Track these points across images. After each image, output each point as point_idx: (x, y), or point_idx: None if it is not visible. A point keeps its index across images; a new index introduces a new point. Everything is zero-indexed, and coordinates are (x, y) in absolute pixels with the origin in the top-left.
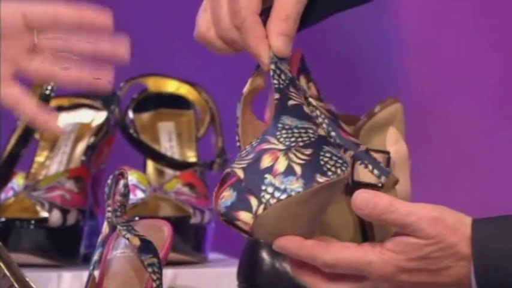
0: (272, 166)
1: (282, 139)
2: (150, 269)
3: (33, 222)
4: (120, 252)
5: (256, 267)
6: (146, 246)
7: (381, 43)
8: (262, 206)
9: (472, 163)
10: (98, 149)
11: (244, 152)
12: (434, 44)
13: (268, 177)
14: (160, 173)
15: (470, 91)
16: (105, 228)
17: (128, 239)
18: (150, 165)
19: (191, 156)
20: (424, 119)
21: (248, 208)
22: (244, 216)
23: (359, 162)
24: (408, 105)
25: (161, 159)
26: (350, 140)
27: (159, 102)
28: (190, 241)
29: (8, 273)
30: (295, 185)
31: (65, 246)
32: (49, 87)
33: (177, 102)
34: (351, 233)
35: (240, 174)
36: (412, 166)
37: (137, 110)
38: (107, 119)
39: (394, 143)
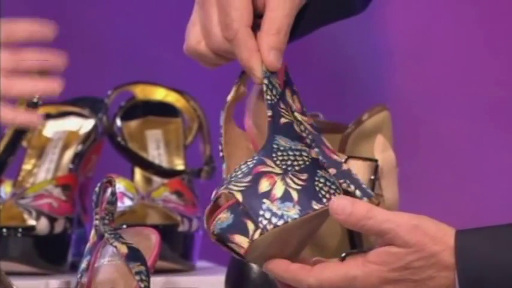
0: (270, 191)
1: (278, 162)
2: (137, 277)
3: (20, 230)
4: (107, 260)
5: (244, 275)
6: (134, 254)
7: (369, 51)
8: (258, 231)
9: (461, 171)
10: (86, 156)
11: (239, 172)
12: (422, 52)
13: (266, 202)
14: (148, 181)
15: (458, 99)
16: (92, 236)
17: (115, 246)
18: (138, 173)
19: (179, 164)
20: (412, 126)
21: (244, 232)
22: (240, 240)
23: (341, 181)
24: (396, 113)
25: (149, 167)
26: (333, 158)
27: (146, 110)
28: (178, 249)
29: None
30: (292, 212)
31: (53, 254)
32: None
33: (165, 110)
34: (338, 241)
35: (239, 197)
36: (400, 174)
37: (125, 117)
38: (95, 127)
39: (381, 150)
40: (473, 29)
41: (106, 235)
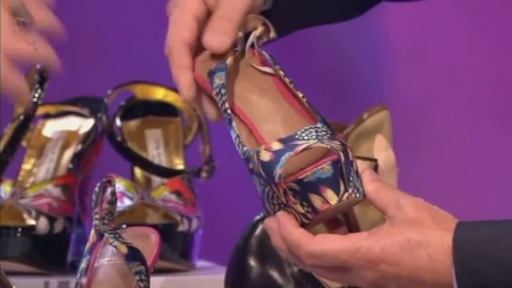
0: (353, 161)
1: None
2: (137, 277)
3: (20, 230)
4: (107, 260)
5: (244, 274)
6: (133, 254)
7: (369, 50)
8: (346, 194)
9: (461, 170)
10: (85, 156)
11: (323, 132)
12: (422, 52)
13: (352, 172)
14: (147, 181)
15: (458, 99)
16: (92, 235)
17: (115, 246)
18: (138, 172)
19: (179, 164)
20: (411, 126)
21: (337, 190)
22: (330, 196)
23: None
24: (395, 112)
25: (149, 166)
26: None
27: (146, 110)
28: (178, 249)
29: None
30: (361, 189)
31: (52, 254)
32: (36, 95)
33: (164, 109)
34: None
35: (342, 156)
36: (400, 173)
37: (124, 117)
38: (94, 127)
39: (381, 150)
40: (473, 29)
41: (106, 235)
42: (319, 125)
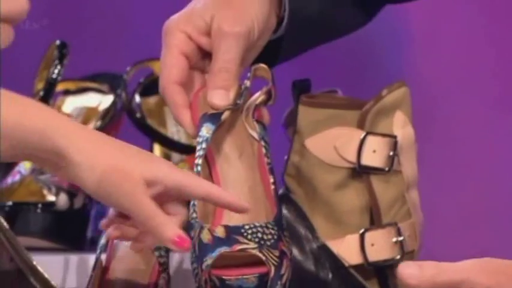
0: (284, 275)
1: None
2: (157, 253)
3: (40, 206)
4: None
5: None
6: None
7: (388, 28)
8: None
9: (476, 149)
10: (105, 132)
11: (269, 236)
12: (441, 30)
13: (278, 285)
14: (167, 157)
15: (475, 78)
16: (111, 211)
17: None
18: (157, 149)
19: None
20: (430, 103)
21: None
22: None
23: None
24: (415, 89)
25: (168, 143)
26: None
27: None
28: None
29: (15, 257)
30: None
31: (72, 229)
32: (56, 71)
33: None
34: (358, 217)
35: (272, 271)
36: (419, 150)
37: (144, 94)
38: (114, 103)
39: (401, 126)
40: (494, 8)
41: None
42: (271, 223)
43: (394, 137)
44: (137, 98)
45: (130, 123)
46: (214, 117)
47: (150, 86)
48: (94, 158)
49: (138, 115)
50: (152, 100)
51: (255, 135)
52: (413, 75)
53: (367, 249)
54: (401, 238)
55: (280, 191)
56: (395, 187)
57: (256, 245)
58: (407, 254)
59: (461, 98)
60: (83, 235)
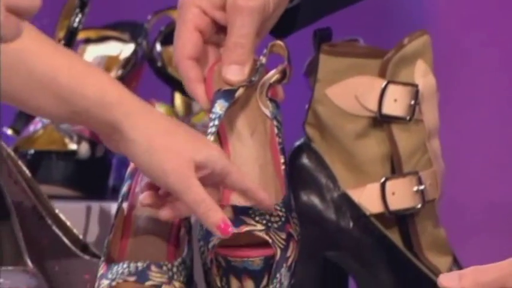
0: (290, 257)
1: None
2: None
3: (62, 154)
4: None
5: None
6: None
7: None
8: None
9: (499, 96)
10: (126, 81)
11: (277, 218)
12: None
13: (283, 268)
14: (188, 106)
15: (499, 26)
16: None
17: None
18: (178, 98)
19: None
20: (452, 52)
21: (257, 284)
22: (249, 286)
23: None
24: (436, 38)
25: None
26: None
27: None
28: None
29: (37, 205)
30: (285, 283)
31: (94, 178)
32: (77, 20)
33: None
34: (379, 166)
35: (278, 254)
36: (440, 99)
37: (165, 42)
38: (135, 52)
39: (422, 75)
40: None
41: None
42: (280, 204)
43: (416, 85)
44: (158, 47)
45: (151, 72)
46: (228, 94)
47: (171, 35)
48: (148, 136)
49: (159, 64)
50: (173, 49)
51: (268, 113)
52: (435, 23)
53: (388, 198)
54: (422, 187)
55: (301, 140)
56: (417, 136)
57: (263, 227)
58: (428, 203)
59: (484, 43)
60: (105, 183)
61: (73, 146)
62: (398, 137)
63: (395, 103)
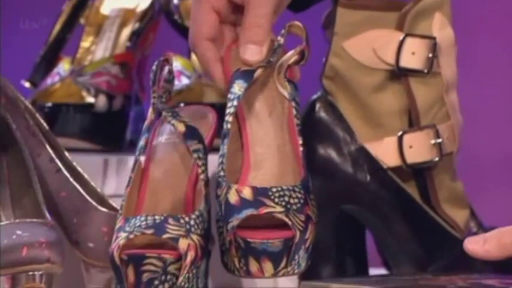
0: (308, 239)
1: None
2: (195, 155)
3: (79, 107)
4: (165, 138)
5: None
6: (191, 132)
7: None
8: (283, 271)
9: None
10: (143, 34)
11: (295, 199)
12: None
13: (301, 250)
14: None
15: None
16: (150, 114)
17: (173, 125)
18: None
19: None
20: (470, 4)
21: (276, 265)
22: (268, 268)
23: None
24: None
25: None
26: None
27: None
28: None
29: (55, 158)
30: (303, 264)
31: (111, 131)
32: None
33: None
34: (396, 119)
35: (297, 235)
36: (458, 52)
37: None
38: (152, 5)
39: (440, 28)
40: None
41: (163, 113)
42: (298, 186)
43: (433, 38)
44: (175, 0)
45: (168, 25)
46: (246, 74)
47: None
48: None
49: (176, 17)
50: (190, 1)
51: (286, 94)
52: None
53: (405, 151)
54: (439, 140)
55: (318, 94)
56: (434, 89)
57: (282, 209)
58: (445, 156)
59: None
60: (122, 137)
61: (90, 99)
62: (416, 90)
63: (413, 56)
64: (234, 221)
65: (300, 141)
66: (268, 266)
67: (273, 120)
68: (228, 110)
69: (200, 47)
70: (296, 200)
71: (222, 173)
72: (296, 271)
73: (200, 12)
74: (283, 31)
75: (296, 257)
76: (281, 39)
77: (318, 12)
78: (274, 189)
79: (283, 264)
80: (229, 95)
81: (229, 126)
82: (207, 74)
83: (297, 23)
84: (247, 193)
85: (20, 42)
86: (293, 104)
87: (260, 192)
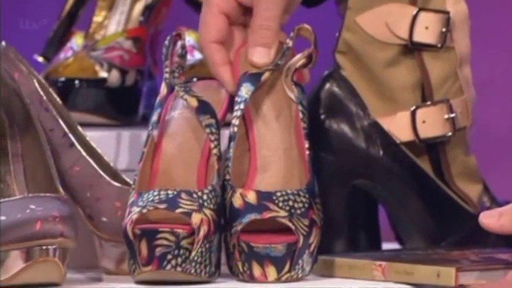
0: (312, 243)
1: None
2: (207, 130)
3: (92, 82)
4: (178, 113)
5: (314, 128)
6: (204, 107)
7: None
8: (287, 275)
9: None
10: (156, 9)
11: (306, 198)
12: None
13: (305, 254)
14: None
15: None
16: (162, 89)
17: (185, 99)
18: None
19: None
20: None
21: (279, 270)
22: (271, 272)
23: None
24: None
25: None
26: None
27: None
28: None
29: (68, 132)
30: (307, 268)
31: (124, 106)
32: None
33: None
34: (409, 94)
35: (301, 240)
36: (472, 26)
37: None
38: None
39: (454, 2)
40: None
41: (176, 88)
42: (303, 190)
43: (447, 12)
44: None
45: None
46: (254, 77)
47: None
48: None
49: None
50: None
51: (293, 97)
52: None
53: (419, 126)
54: (453, 115)
55: (330, 69)
56: (448, 63)
57: (286, 213)
58: (459, 131)
59: None
60: (135, 111)
61: (103, 74)
62: (429, 65)
63: (427, 30)
64: (238, 225)
65: (307, 145)
66: (271, 271)
67: (280, 123)
68: (235, 113)
69: (209, 49)
70: (300, 205)
71: (227, 177)
72: (300, 275)
73: (209, 15)
74: (292, 34)
75: (300, 261)
76: (290, 42)
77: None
78: (278, 194)
79: (286, 268)
80: (236, 98)
81: (235, 129)
82: (216, 76)
83: (306, 26)
84: (251, 197)
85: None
86: (300, 107)
87: (264, 197)
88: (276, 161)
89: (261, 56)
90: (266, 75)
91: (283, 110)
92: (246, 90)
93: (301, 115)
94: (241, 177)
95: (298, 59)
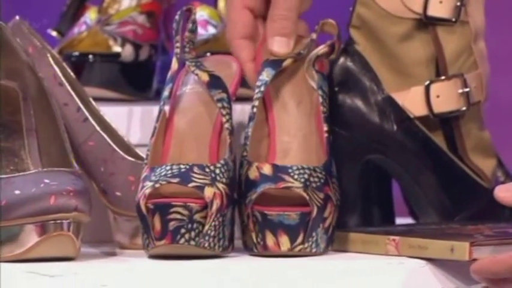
0: (327, 219)
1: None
2: (219, 104)
3: (106, 57)
4: (189, 88)
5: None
6: (215, 82)
7: None
8: (300, 247)
9: None
10: None
11: (316, 178)
12: None
13: (320, 228)
14: None
15: None
16: (173, 64)
17: (196, 74)
18: (222, 0)
19: None
20: None
21: (293, 240)
22: (284, 241)
23: None
24: None
25: None
26: None
27: None
28: None
29: (82, 107)
30: (322, 246)
31: (138, 80)
32: None
33: None
34: (423, 68)
35: (314, 211)
36: (487, 1)
37: None
38: None
39: None
40: None
41: (187, 63)
42: (320, 167)
43: None
44: None
45: None
46: (275, 62)
47: None
48: None
49: None
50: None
51: (314, 85)
52: None
53: (433, 100)
54: (467, 89)
55: (344, 43)
56: (462, 38)
57: (301, 185)
58: (473, 106)
59: None
60: (149, 86)
61: (117, 49)
62: (444, 39)
63: (441, 4)
64: (252, 194)
65: (326, 128)
66: (284, 240)
67: (300, 110)
68: (255, 96)
69: (235, 45)
70: (316, 179)
71: (245, 153)
72: (314, 250)
73: (233, 11)
74: (316, 28)
75: (314, 234)
76: (314, 35)
77: None
78: (294, 167)
79: (300, 239)
80: (257, 82)
81: (255, 110)
82: (244, 71)
83: (331, 21)
84: (267, 169)
85: None
86: (320, 92)
87: (280, 169)
88: (295, 146)
89: (280, 45)
90: (288, 61)
91: (304, 99)
92: (266, 74)
93: (321, 99)
94: (259, 159)
95: (321, 48)
